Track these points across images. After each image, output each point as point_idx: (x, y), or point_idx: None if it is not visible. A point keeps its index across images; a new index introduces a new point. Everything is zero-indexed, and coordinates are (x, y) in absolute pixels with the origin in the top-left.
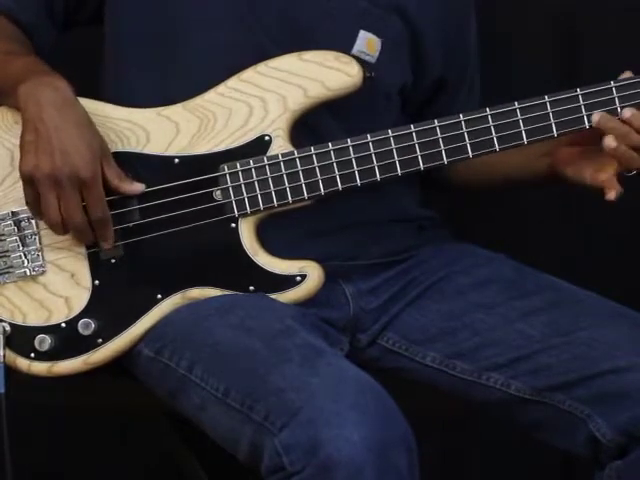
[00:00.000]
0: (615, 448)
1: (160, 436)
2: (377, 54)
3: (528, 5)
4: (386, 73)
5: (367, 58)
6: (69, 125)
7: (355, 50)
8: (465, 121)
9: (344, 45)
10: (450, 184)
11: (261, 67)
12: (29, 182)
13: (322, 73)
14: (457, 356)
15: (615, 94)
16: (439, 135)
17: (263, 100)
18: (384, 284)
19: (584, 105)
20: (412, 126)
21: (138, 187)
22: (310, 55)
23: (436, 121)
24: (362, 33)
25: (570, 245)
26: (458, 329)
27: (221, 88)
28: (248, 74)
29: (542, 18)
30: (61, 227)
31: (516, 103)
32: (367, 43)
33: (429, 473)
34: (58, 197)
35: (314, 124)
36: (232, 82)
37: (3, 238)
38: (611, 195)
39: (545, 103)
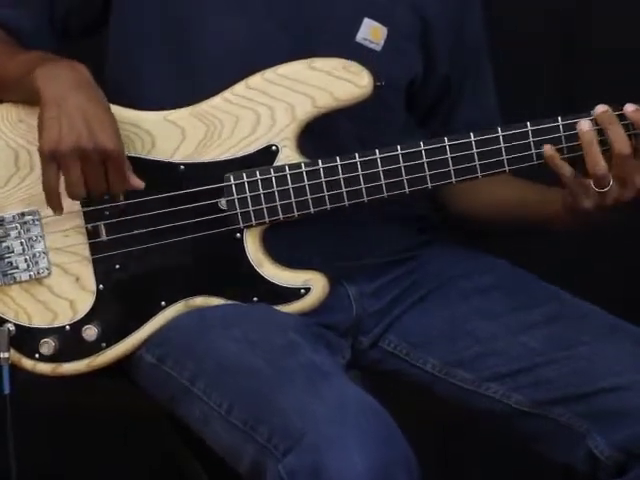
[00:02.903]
0: (613, 466)
1: (162, 437)
2: (382, 42)
3: (528, 4)
4: (393, 62)
5: (372, 46)
6: (92, 104)
7: (359, 37)
8: (476, 141)
9: (348, 32)
10: (460, 220)
11: (269, 74)
12: (51, 158)
13: (331, 83)
14: (458, 364)
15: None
16: (448, 154)
17: (271, 109)
18: (387, 286)
19: (597, 130)
20: (422, 143)
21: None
22: (320, 63)
23: (446, 139)
24: (367, 20)
25: (571, 250)
26: (459, 336)
27: (228, 94)
28: (255, 80)
29: (542, 18)
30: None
31: (528, 124)
32: (371, 31)
33: (430, 477)
34: (83, 171)
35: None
36: (239, 88)
37: (8, 239)
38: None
39: (558, 126)
